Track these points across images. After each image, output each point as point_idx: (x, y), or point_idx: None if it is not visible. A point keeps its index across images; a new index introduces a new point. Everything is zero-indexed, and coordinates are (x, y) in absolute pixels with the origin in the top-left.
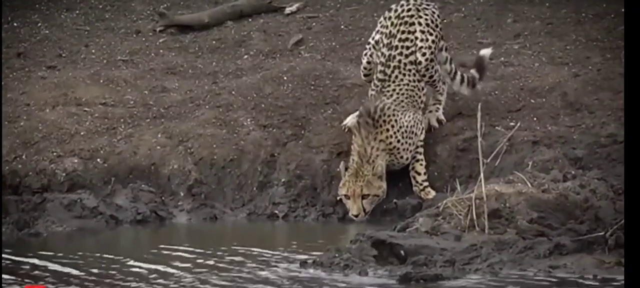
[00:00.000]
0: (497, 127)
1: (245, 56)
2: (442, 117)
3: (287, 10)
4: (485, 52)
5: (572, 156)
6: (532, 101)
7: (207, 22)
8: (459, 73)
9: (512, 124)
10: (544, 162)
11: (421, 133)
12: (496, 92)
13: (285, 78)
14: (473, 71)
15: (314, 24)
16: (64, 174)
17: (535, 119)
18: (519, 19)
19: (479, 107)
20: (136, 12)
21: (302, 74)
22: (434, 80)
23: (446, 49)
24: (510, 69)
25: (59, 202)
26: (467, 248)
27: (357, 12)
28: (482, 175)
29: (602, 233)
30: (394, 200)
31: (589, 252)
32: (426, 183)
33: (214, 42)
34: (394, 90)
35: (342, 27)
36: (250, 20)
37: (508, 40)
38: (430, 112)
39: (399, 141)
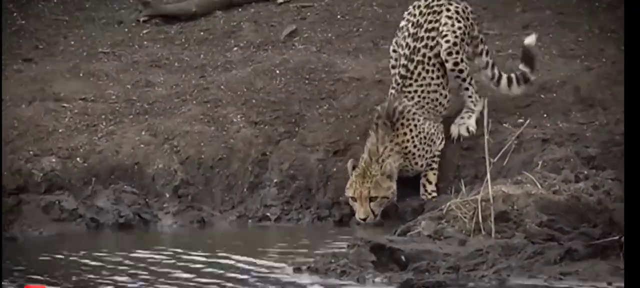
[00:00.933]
0: (504, 124)
1: (235, 48)
2: (473, 127)
3: None
4: (530, 40)
5: (584, 155)
6: (542, 96)
7: (195, 11)
8: (503, 76)
9: (520, 120)
10: (554, 161)
11: (440, 143)
12: None
13: (277, 71)
14: (522, 66)
15: (308, 13)
16: (41, 174)
17: (545, 115)
18: (528, 9)
19: (485, 103)
20: (118, 1)
21: (296, 67)
22: (461, 71)
23: (487, 53)
24: (518, 62)
25: (36, 204)
26: (472, 254)
27: (354, 1)
28: (488, 175)
29: (616, 237)
30: (394, 202)
31: (603, 258)
32: (435, 194)
33: (201, 33)
34: (415, 91)
35: (339, 16)
36: (240, 9)
37: (516, 31)
38: (462, 118)
39: (415, 146)
